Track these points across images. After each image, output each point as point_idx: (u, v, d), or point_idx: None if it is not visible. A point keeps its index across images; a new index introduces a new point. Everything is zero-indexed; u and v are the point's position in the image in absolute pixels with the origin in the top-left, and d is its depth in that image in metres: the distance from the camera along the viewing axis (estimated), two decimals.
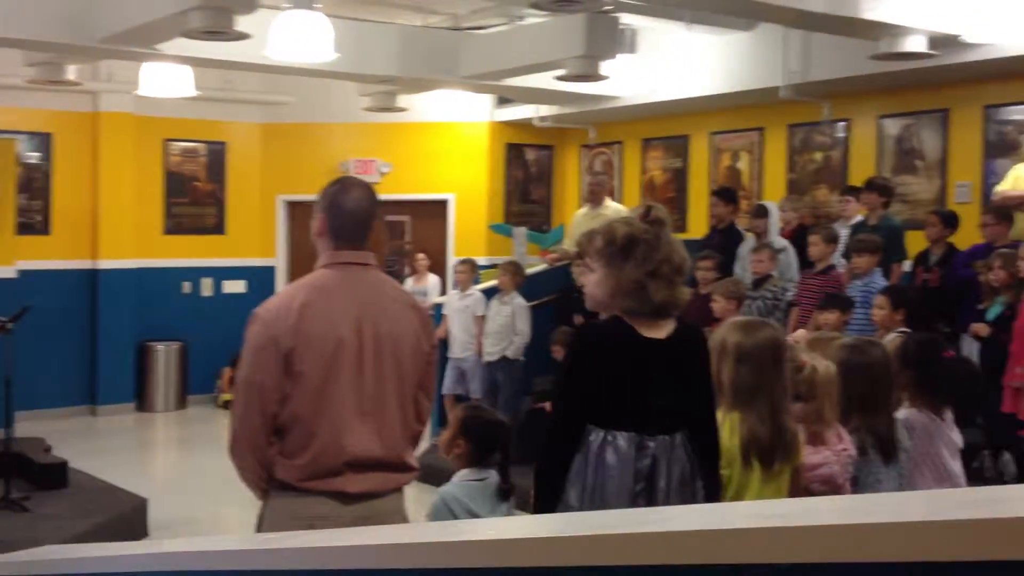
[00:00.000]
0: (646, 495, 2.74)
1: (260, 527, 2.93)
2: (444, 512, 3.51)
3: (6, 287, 7.44)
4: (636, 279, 2.77)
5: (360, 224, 2.95)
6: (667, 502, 2.73)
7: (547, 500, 2.77)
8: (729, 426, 3.03)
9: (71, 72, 8.37)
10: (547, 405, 4.73)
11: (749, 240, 7.94)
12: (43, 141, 10.23)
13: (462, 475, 3.65)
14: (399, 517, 2.97)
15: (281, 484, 2.86)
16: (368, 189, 3.03)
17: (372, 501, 2.86)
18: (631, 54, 9.01)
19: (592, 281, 2.88)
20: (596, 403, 2.78)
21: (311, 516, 2.78)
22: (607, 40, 7.64)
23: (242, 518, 7.18)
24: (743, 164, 9.81)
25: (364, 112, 10.07)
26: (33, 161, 10.14)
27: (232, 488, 8.52)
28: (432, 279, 10.02)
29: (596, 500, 2.74)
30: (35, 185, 10.16)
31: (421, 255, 10.17)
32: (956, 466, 3.84)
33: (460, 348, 8.43)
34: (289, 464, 2.84)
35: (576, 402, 2.82)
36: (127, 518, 6.40)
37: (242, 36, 6.42)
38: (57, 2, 7.11)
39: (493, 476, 3.63)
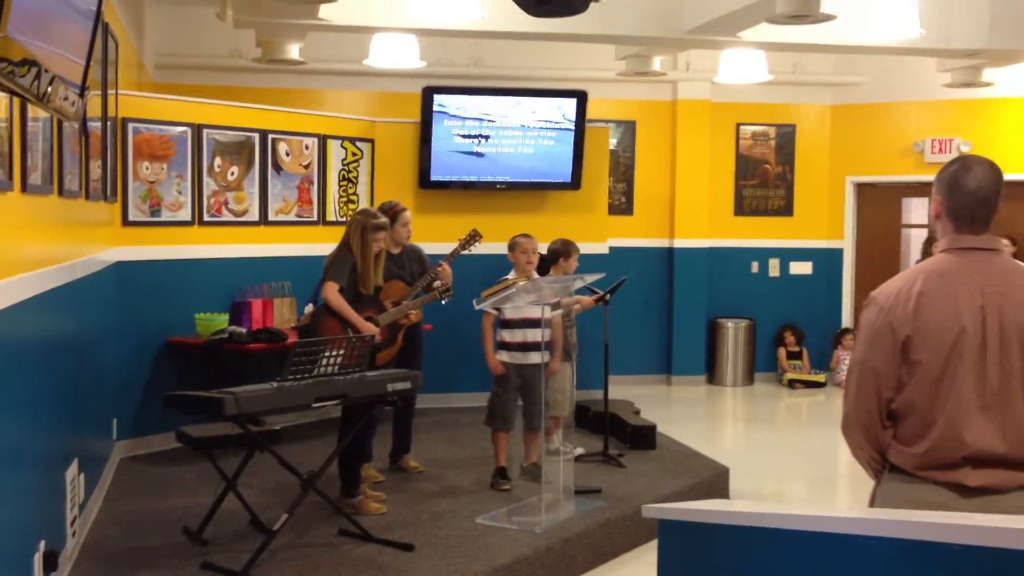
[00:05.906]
0: None
1: (872, 507, 2.90)
2: None
3: (600, 262, 8.22)
4: None
5: (981, 206, 2.80)
6: None
7: None
8: None
9: (657, 63, 8.98)
10: None
11: None
12: (628, 129, 11.10)
13: None
14: None
15: (895, 468, 2.82)
16: (991, 168, 2.85)
17: (993, 497, 2.69)
18: None
19: None
20: None
21: (926, 504, 2.70)
22: None
23: (808, 497, 7.25)
24: None
25: (943, 89, 9.57)
26: (619, 148, 11.04)
27: (799, 467, 8.48)
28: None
29: None
30: (621, 169, 11.07)
31: (1005, 240, 9.41)
32: None
33: None
34: (904, 451, 2.79)
35: None
36: (711, 484, 6.59)
37: (827, 18, 6.37)
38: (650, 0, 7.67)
39: None
